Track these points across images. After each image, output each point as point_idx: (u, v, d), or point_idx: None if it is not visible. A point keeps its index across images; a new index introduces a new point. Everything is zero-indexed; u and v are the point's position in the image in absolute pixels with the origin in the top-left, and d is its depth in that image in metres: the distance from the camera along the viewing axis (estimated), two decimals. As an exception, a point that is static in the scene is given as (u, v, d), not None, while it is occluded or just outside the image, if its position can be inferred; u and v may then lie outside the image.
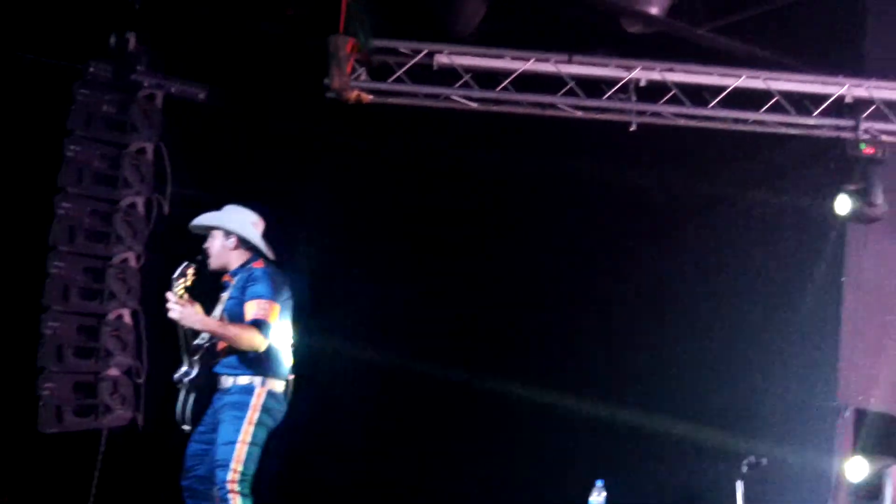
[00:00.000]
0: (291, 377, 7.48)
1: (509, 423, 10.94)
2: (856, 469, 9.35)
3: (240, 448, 7.19)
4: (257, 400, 7.29)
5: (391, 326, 11.15)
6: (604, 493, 8.74)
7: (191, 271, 7.35)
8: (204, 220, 7.64)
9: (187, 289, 7.33)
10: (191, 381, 7.40)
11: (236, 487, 7.14)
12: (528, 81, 9.30)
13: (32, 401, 9.79)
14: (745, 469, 8.83)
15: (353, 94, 9.09)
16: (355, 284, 11.11)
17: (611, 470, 9.01)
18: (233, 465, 7.15)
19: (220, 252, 7.56)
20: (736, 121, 9.47)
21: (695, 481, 10.15)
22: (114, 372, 10.06)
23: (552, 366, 10.79)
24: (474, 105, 9.35)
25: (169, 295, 7.26)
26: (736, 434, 9.83)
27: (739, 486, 8.78)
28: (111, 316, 10.02)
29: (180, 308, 7.24)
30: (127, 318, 10.08)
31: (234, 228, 7.53)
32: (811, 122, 9.39)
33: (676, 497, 10.25)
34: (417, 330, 11.09)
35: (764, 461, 8.88)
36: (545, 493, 10.27)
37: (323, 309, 9.68)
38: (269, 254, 7.57)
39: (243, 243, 7.55)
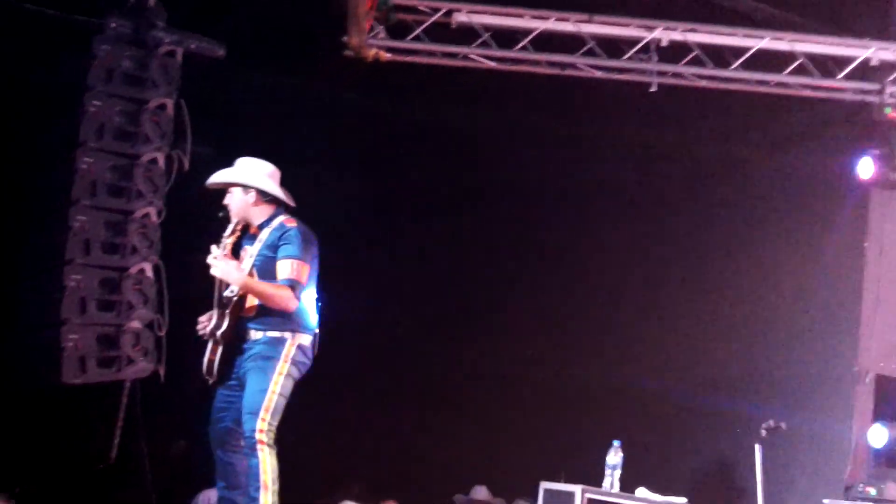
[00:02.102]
0: (317, 332, 7.48)
1: (531, 383, 10.96)
2: (876, 435, 9.30)
3: (269, 397, 7.20)
4: (288, 351, 7.29)
5: (406, 291, 11.18)
6: (620, 454, 8.80)
7: (239, 228, 7.38)
8: (220, 176, 7.57)
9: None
10: (221, 333, 7.43)
11: (264, 438, 7.15)
12: (548, 41, 9.25)
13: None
14: (763, 433, 8.78)
15: (371, 52, 9.09)
16: (372, 246, 11.12)
17: (628, 431, 9.02)
18: (262, 414, 7.15)
19: (242, 208, 7.52)
20: (759, 83, 9.42)
21: (712, 444, 10.15)
22: (136, 325, 10.12)
23: (572, 332, 10.77)
24: (493, 64, 9.33)
25: (213, 248, 7.28)
26: (754, 399, 9.81)
27: (758, 450, 8.74)
28: (133, 269, 10.08)
29: (223, 263, 7.26)
30: (148, 272, 10.13)
31: (251, 182, 7.51)
32: (835, 84, 9.32)
33: (694, 459, 10.25)
34: (435, 293, 11.11)
35: (783, 426, 8.82)
36: (563, 452, 10.28)
37: (341, 271, 9.68)
38: (290, 202, 7.57)
39: (262, 196, 7.54)
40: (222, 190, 7.58)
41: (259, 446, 7.13)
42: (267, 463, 7.17)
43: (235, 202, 7.50)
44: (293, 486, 7.58)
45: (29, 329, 10.00)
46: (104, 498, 9.97)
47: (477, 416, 11.01)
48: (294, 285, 7.24)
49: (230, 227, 7.38)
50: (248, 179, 7.50)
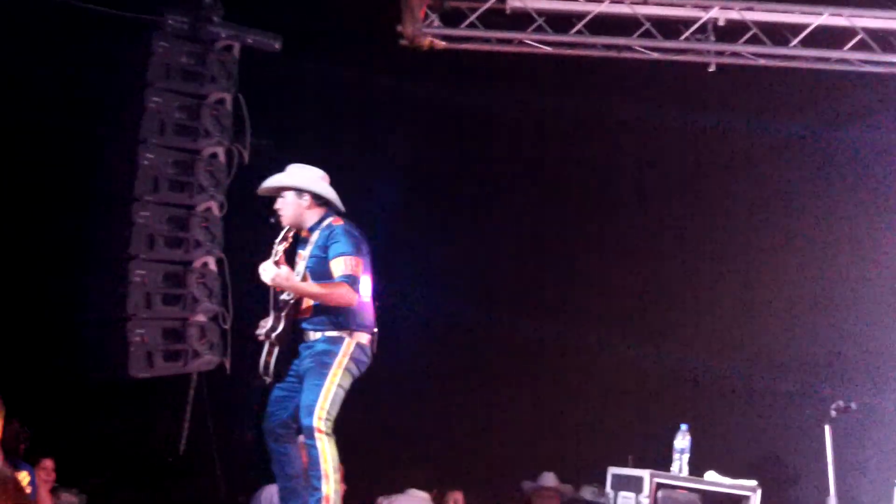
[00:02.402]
0: (376, 330, 7.51)
1: (597, 369, 10.94)
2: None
3: (327, 388, 7.20)
4: (347, 348, 7.30)
5: (466, 278, 11.15)
6: (688, 437, 8.75)
7: (291, 234, 7.39)
8: (273, 182, 7.59)
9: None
10: (277, 336, 7.48)
11: (322, 426, 7.18)
12: (603, 24, 9.18)
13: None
14: (833, 413, 8.67)
15: (426, 41, 9.10)
16: (430, 235, 11.10)
17: (696, 415, 8.97)
18: (320, 403, 7.17)
19: (295, 212, 7.55)
20: (818, 59, 9.28)
21: (782, 426, 10.08)
22: (201, 318, 10.21)
23: (639, 317, 10.73)
24: (548, 49, 9.27)
25: (266, 263, 7.33)
26: (824, 379, 9.72)
27: (828, 432, 8.64)
28: (196, 263, 10.16)
29: (273, 271, 7.29)
30: (212, 266, 10.22)
31: (305, 186, 7.54)
32: (897, 59, 9.16)
33: (764, 441, 10.18)
34: (495, 280, 11.08)
35: (853, 406, 8.71)
36: (631, 437, 10.24)
37: (398, 262, 9.68)
38: (341, 206, 7.59)
39: (317, 199, 7.57)
40: (273, 196, 7.61)
41: (318, 435, 7.13)
42: (327, 452, 7.20)
43: (288, 206, 7.50)
44: (360, 475, 7.62)
45: (96, 324, 10.12)
46: (173, 490, 10.07)
47: (544, 403, 10.99)
48: (351, 281, 7.25)
49: (281, 234, 7.38)
50: (303, 183, 7.51)
